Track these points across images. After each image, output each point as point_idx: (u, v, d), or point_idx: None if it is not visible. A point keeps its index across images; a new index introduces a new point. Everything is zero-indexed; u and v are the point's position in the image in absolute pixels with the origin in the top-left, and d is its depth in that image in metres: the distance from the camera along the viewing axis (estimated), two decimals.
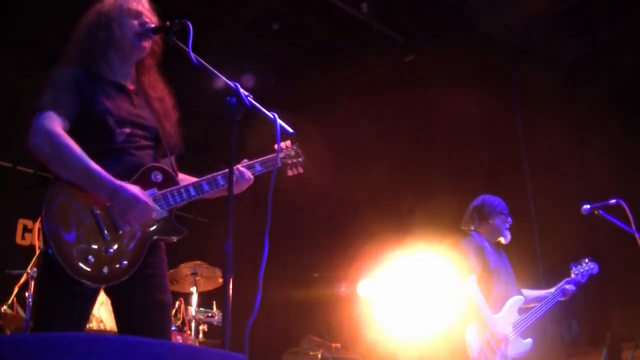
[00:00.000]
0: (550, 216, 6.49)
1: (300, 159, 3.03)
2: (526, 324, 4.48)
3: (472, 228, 4.78)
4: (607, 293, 6.27)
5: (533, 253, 6.49)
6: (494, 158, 7.09)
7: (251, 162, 2.87)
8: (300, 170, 3.04)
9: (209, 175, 2.72)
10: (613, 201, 4.31)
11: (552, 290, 4.65)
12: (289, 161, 3.01)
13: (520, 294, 4.61)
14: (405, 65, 7.52)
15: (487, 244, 4.66)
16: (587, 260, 4.75)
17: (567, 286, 4.62)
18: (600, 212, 4.37)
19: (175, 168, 2.91)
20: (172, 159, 2.89)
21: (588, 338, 6.19)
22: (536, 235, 6.58)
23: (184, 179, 2.82)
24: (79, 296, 2.43)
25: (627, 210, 4.21)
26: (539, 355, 4.84)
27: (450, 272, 4.75)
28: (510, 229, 4.76)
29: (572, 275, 4.69)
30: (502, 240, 4.74)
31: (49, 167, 2.47)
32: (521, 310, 4.54)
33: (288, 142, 3.03)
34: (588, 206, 4.43)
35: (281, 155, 2.98)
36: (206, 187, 2.68)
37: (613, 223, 4.31)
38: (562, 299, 4.61)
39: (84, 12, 2.77)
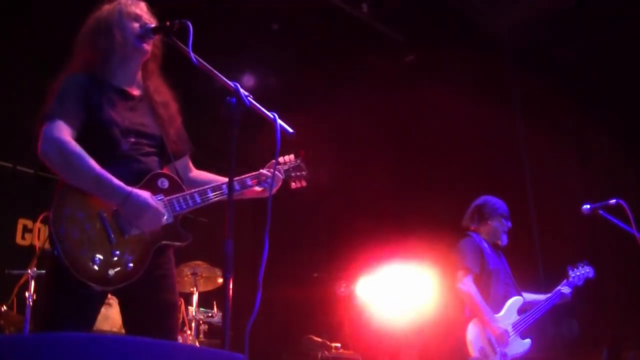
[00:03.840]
0: (550, 216, 6.49)
1: (304, 173, 3.04)
2: (525, 324, 4.49)
3: (472, 228, 4.79)
4: (607, 293, 6.27)
5: (533, 253, 6.49)
6: (494, 158, 7.08)
7: (242, 177, 2.83)
8: (304, 183, 3.04)
9: (215, 184, 2.74)
10: (613, 201, 4.31)
11: (549, 295, 4.66)
12: (293, 174, 3.01)
13: (520, 294, 4.62)
14: (405, 65, 7.52)
15: (485, 245, 4.67)
16: (583, 263, 4.77)
17: (564, 289, 4.63)
18: (600, 212, 4.37)
19: (191, 167, 2.96)
20: (186, 159, 2.92)
21: (588, 338, 6.19)
22: (536, 235, 6.58)
23: (212, 179, 2.85)
24: (85, 299, 2.45)
25: (627, 210, 4.20)
26: (539, 355, 4.84)
27: (448, 272, 4.77)
28: (509, 234, 4.77)
29: (569, 279, 4.70)
30: (499, 243, 4.75)
31: (58, 174, 2.50)
32: (520, 311, 4.56)
33: (291, 156, 3.03)
34: (588, 206, 4.43)
35: (285, 167, 2.99)
36: (211, 195, 2.69)
37: (613, 223, 4.31)
38: (559, 302, 4.62)
39: (85, 13, 2.77)
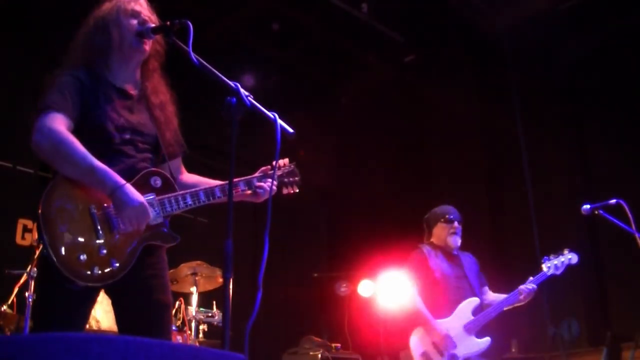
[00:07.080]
0: (550, 216, 6.49)
1: (297, 178, 3.00)
2: (479, 323, 4.45)
3: (425, 240, 4.84)
4: (607, 293, 6.27)
5: (533, 253, 6.49)
6: (494, 158, 7.09)
7: (239, 179, 2.80)
8: (296, 189, 3.00)
9: (208, 187, 2.72)
10: (613, 201, 4.30)
11: (509, 294, 4.49)
12: (286, 179, 2.98)
13: (476, 295, 4.57)
14: (405, 65, 7.52)
15: (436, 254, 4.69)
16: (565, 250, 4.60)
17: (522, 286, 4.45)
18: (600, 212, 4.36)
19: (183, 169, 2.93)
20: (179, 160, 2.90)
21: (588, 338, 6.19)
22: (536, 235, 6.58)
23: (202, 181, 2.84)
24: (76, 295, 2.42)
25: (627, 210, 4.20)
26: (539, 355, 4.84)
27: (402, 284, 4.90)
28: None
29: (544, 269, 4.51)
30: (450, 245, 4.70)
31: (51, 164, 2.46)
32: (477, 311, 4.50)
33: (286, 160, 2.99)
34: (588, 206, 4.41)
35: (278, 172, 2.96)
36: (203, 198, 2.67)
37: (613, 223, 4.30)
38: (520, 299, 4.43)
39: (85, 12, 2.76)
